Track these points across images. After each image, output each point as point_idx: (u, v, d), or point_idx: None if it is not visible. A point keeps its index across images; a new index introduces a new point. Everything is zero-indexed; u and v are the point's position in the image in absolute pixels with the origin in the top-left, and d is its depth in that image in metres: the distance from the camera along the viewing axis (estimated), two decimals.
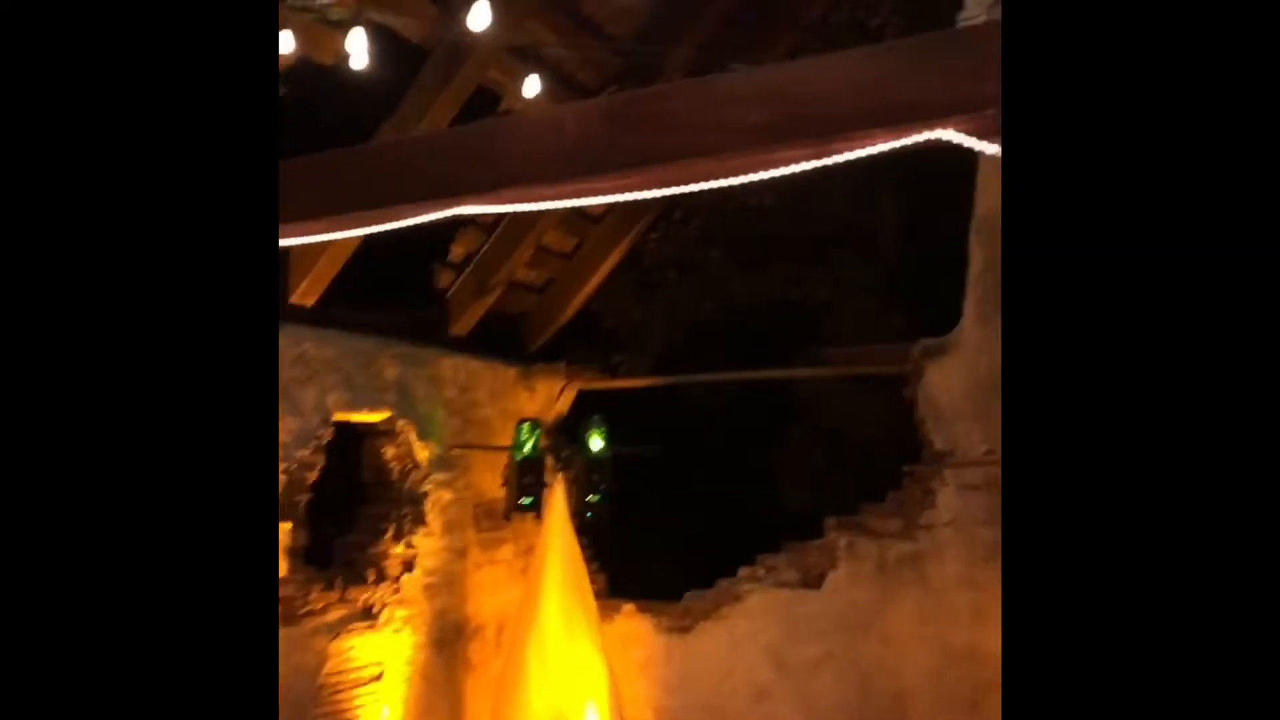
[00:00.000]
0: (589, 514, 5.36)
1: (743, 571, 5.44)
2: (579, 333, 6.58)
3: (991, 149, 2.05)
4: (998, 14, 2.03)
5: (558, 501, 5.21)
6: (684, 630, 5.51)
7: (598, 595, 5.69)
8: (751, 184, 7.02)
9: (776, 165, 2.26)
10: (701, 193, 7.38)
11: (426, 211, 2.65)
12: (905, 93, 2.09)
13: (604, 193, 2.45)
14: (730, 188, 7.22)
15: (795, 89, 2.21)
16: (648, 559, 6.27)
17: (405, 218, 2.70)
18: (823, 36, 5.63)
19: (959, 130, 2.07)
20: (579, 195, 2.46)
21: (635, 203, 5.83)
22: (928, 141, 2.14)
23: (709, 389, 7.01)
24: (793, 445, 7.05)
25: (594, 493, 5.24)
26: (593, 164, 2.40)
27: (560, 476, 5.28)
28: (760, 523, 5.97)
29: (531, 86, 3.47)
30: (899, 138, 2.12)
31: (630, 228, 5.95)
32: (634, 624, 5.63)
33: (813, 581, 5.22)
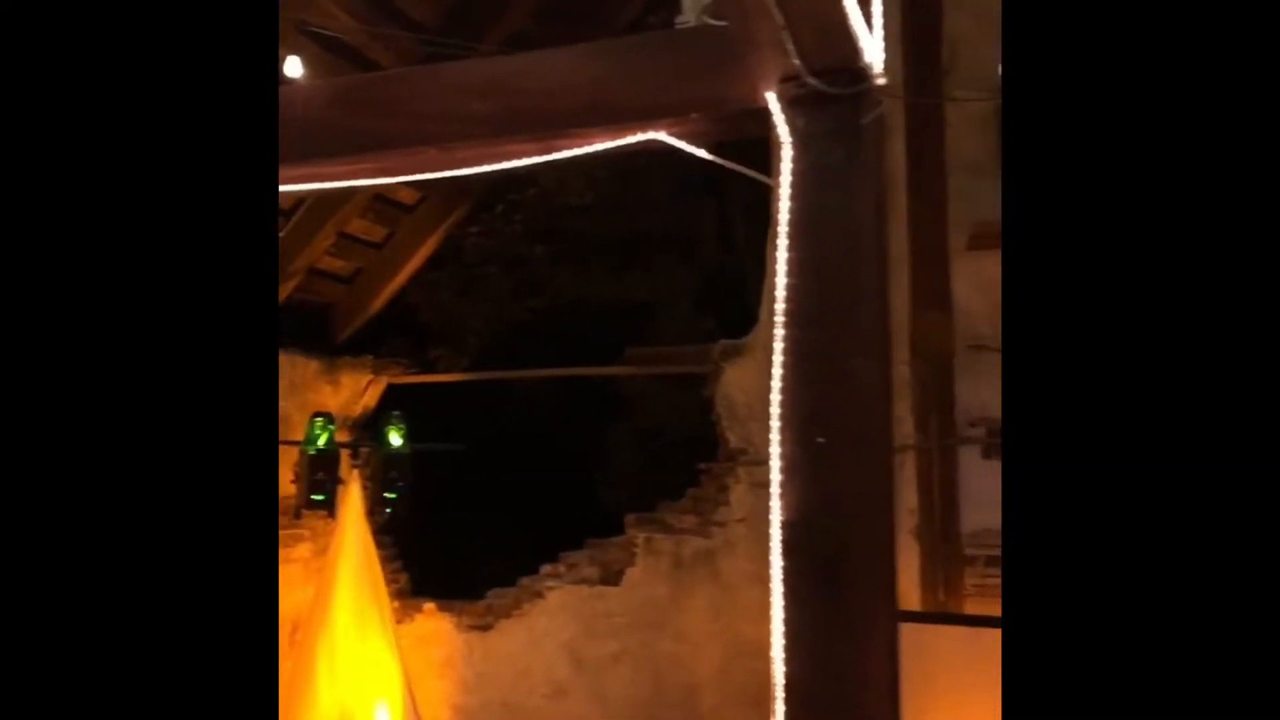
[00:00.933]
0: (388, 510, 5.23)
1: (545, 569, 5.43)
2: (394, 326, 6.42)
3: (699, 152, 2.09)
4: (708, 19, 2.07)
5: (352, 499, 5.06)
6: (484, 629, 5.46)
7: (400, 594, 5.58)
8: (572, 182, 7.03)
9: (503, 158, 2.25)
10: (524, 188, 7.37)
11: None
12: (621, 93, 2.11)
13: (331, 178, 2.38)
14: (550, 184, 7.18)
15: (519, 82, 2.20)
16: (456, 558, 6.18)
17: None
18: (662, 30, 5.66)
19: (670, 133, 2.10)
20: (306, 180, 2.38)
21: (449, 194, 5.76)
22: (646, 142, 2.17)
23: (533, 387, 6.98)
24: (610, 444, 7.09)
25: (391, 490, 5.11)
26: (320, 147, 2.33)
27: (356, 473, 5.13)
28: (572, 520, 5.98)
29: (293, 67, 3.34)
30: (617, 137, 2.15)
31: (444, 219, 5.85)
32: (434, 623, 5.53)
33: (612, 578, 5.26)
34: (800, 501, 1.84)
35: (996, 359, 5.02)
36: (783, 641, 1.85)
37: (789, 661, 1.84)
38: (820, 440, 1.83)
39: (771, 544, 1.87)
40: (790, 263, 1.90)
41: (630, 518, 5.29)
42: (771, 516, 1.88)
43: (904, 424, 4.61)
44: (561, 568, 5.39)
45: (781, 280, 1.92)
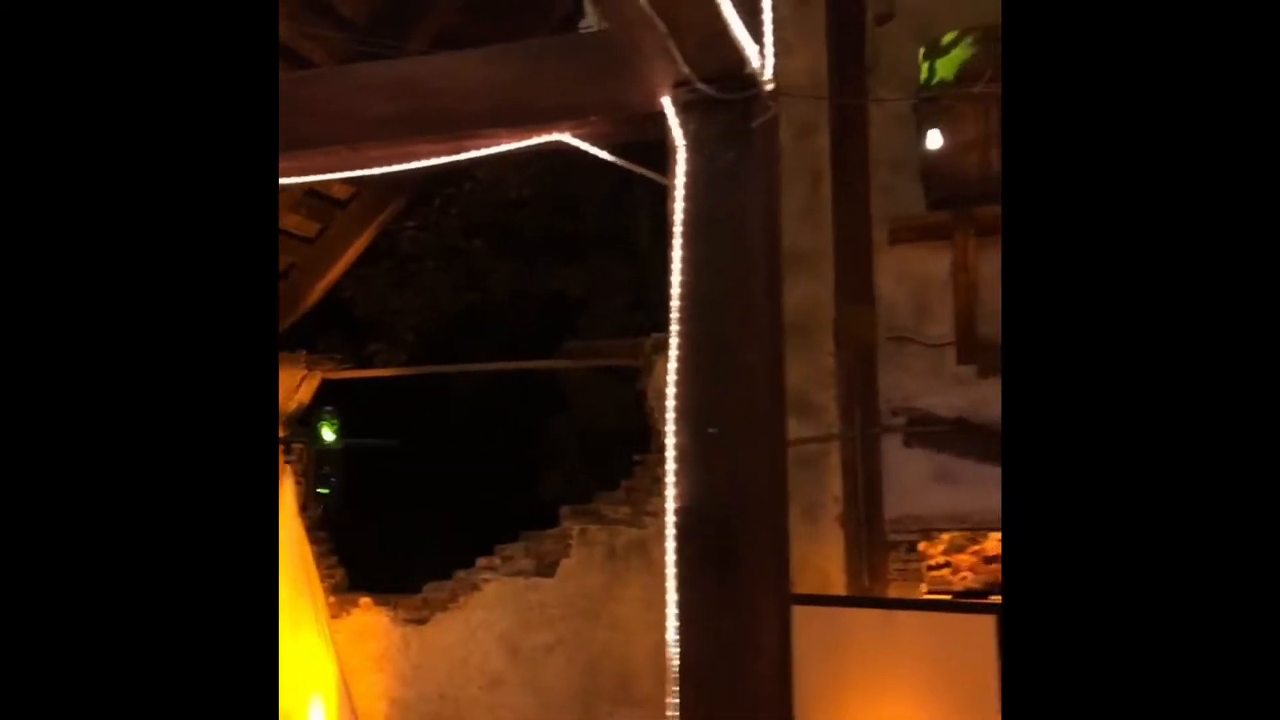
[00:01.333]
0: (322, 505, 5.24)
1: (480, 561, 5.48)
2: (330, 321, 6.41)
3: (601, 154, 2.17)
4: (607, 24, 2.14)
5: (284, 495, 5.07)
6: (421, 622, 5.49)
7: (335, 589, 5.59)
8: (509, 177, 7.05)
9: (411, 158, 2.30)
10: (461, 183, 7.40)
11: None
12: (525, 95, 2.17)
13: None
14: (487, 178, 7.17)
15: (426, 84, 2.25)
16: (392, 552, 6.20)
17: None
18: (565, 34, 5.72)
19: (573, 135, 2.17)
20: None
21: (383, 188, 5.75)
22: (552, 143, 2.24)
23: (470, 381, 7.01)
24: (552, 437, 7.15)
25: (324, 486, 5.12)
26: None
27: (288, 469, 5.13)
28: (508, 513, 6.03)
29: None
30: (522, 138, 2.21)
31: (378, 213, 5.84)
32: (370, 617, 5.55)
33: (547, 570, 5.33)
34: (693, 488, 1.93)
35: (918, 350, 5.18)
36: (677, 624, 1.93)
37: (683, 642, 1.93)
38: (711, 430, 1.92)
39: (666, 529, 1.95)
40: (684, 260, 1.98)
41: (565, 509, 5.36)
42: (666, 504, 1.96)
43: (828, 413, 4.74)
44: (497, 560, 5.44)
45: (676, 278, 2.00)
